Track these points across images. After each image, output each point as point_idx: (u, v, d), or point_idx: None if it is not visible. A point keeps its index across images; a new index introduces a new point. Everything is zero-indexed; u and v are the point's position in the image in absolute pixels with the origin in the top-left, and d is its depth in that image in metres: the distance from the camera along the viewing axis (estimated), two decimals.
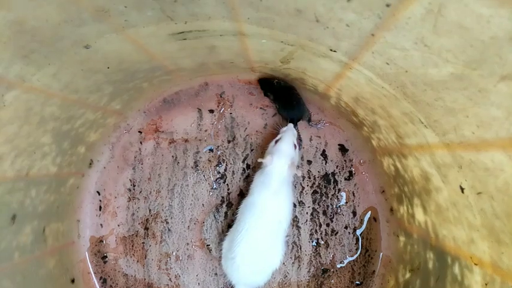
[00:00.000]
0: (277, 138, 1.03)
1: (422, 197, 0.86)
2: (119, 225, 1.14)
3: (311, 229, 1.12)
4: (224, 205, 1.14)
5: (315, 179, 1.13)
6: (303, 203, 1.12)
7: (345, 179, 1.13)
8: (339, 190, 1.13)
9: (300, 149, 1.07)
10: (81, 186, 1.11)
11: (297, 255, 1.11)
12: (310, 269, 1.11)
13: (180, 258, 1.13)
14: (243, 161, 1.15)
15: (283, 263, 1.10)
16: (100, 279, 1.13)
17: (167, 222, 1.14)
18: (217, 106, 1.16)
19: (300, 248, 1.11)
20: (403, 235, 1.01)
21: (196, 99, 1.16)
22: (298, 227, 1.12)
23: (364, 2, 0.49)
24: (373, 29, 0.53)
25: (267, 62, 0.95)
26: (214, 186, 1.14)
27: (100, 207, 1.15)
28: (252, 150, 1.15)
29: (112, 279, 1.13)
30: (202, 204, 1.14)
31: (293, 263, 1.11)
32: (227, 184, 1.14)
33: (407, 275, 0.96)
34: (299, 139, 1.09)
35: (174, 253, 1.13)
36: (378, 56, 0.61)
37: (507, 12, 0.39)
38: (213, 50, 0.87)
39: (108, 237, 1.14)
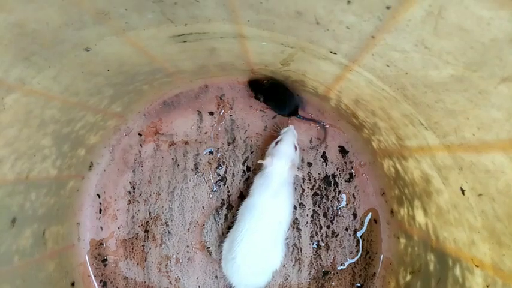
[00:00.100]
0: (277, 139, 1.03)
1: (423, 199, 0.86)
2: (119, 228, 1.14)
3: (311, 231, 1.12)
4: (224, 207, 1.14)
5: (315, 181, 1.13)
6: (304, 205, 1.12)
7: (345, 181, 1.13)
8: (339, 192, 1.13)
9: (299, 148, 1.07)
10: (81, 189, 1.11)
11: (297, 258, 1.11)
12: (310, 271, 1.11)
13: (181, 260, 1.13)
14: (243, 163, 1.14)
15: (284, 265, 1.10)
16: (100, 282, 1.13)
17: (167, 225, 1.14)
18: (217, 108, 1.16)
19: (301, 250, 1.11)
20: (403, 237, 1.01)
21: (196, 102, 1.16)
22: (298, 229, 1.12)
23: (364, 5, 0.49)
24: (373, 31, 0.53)
25: (267, 64, 0.95)
26: (215, 189, 1.14)
27: (100, 210, 1.14)
28: (252, 152, 1.15)
29: (112, 282, 1.13)
30: (203, 207, 1.14)
31: (294, 265, 1.11)
32: (227, 186, 1.14)
33: (408, 277, 0.96)
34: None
35: (174, 256, 1.13)
36: (378, 58, 0.61)
37: (507, 14, 0.39)
38: (213, 52, 0.87)
39: (108, 240, 1.14)
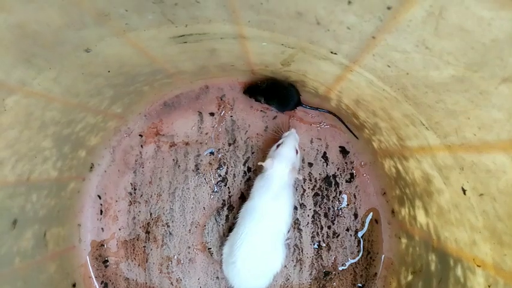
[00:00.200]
0: (278, 142, 1.03)
1: (424, 199, 0.86)
2: (120, 229, 1.14)
3: (312, 232, 1.12)
4: (225, 208, 1.14)
5: (316, 181, 1.13)
6: (304, 205, 1.12)
7: (346, 181, 1.13)
8: (340, 192, 1.13)
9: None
10: (82, 190, 1.11)
11: (298, 258, 1.11)
12: (312, 272, 1.11)
13: (182, 261, 1.13)
14: (244, 164, 1.14)
15: (285, 266, 1.10)
16: (101, 284, 1.13)
17: (168, 226, 1.14)
18: (218, 109, 1.16)
19: (302, 251, 1.11)
20: (404, 237, 1.01)
21: (196, 102, 1.16)
22: (299, 230, 1.12)
23: (365, 5, 0.49)
24: (374, 31, 0.53)
25: (268, 64, 0.95)
26: (215, 189, 1.14)
27: (101, 211, 1.14)
28: (252, 153, 1.15)
29: (113, 284, 1.13)
30: (204, 208, 1.14)
31: (295, 265, 1.11)
32: (228, 187, 1.14)
33: (410, 277, 0.96)
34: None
35: (175, 257, 1.13)
36: (378, 59, 0.61)
37: (508, 15, 0.39)
38: (213, 53, 0.87)
39: (109, 241, 1.14)
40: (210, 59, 0.93)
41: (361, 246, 1.11)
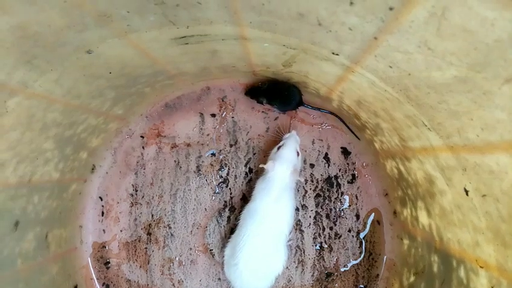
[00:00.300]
0: (279, 144, 1.03)
1: (426, 200, 0.86)
2: (121, 231, 1.14)
3: (314, 233, 1.11)
4: (227, 209, 1.14)
5: (317, 182, 1.13)
6: (306, 206, 1.12)
7: (348, 182, 1.13)
8: (342, 193, 1.13)
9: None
10: (83, 191, 1.11)
11: (300, 259, 1.11)
12: (313, 273, 1.11)
13: (183, 263, 1.13)
14: (246, 165, 1.14)
15: (287, 267, 1.10)
16: (103, 285, 1.13)
17: (170, 227, 1.14)
18: (219, 110, 1.16)
19: (304, 252, 1.11)
20: (407, 238, 1.01)
21: (198, 104, 1.16)
22: (301, 231, 1.11)
23: (367, 6, 0.49)
24: (376, 32, 0.53)
25: (269, 65, 0.95)
26: (217, 191, 1.14)
27: (102, 213, 1.14)
28: (254, 154, 1.15)
29: (115, 285, 1.13)
30: (205, 209, 1.14)
31: (296, 267, 1.11)
32: (230, 188, 1.14)
33: (412, 279, 0.96)
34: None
35: (177, 258, 1.13)
36: (380, 60, 0.61)
37: (511, 15, 0.39)
38: (215, 54, 0.87)
39: (110, 242, 1.14)
40: (211, 60, 0.93)
41: (363, 247, 1.11)
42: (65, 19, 0.57)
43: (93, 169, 1.13)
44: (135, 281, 1.13)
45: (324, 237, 1.11)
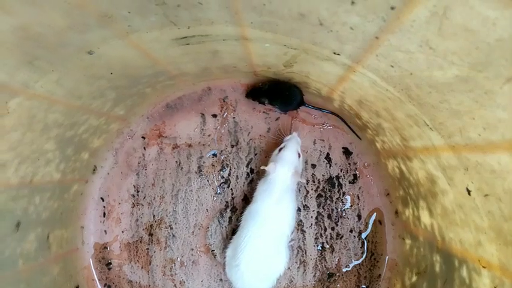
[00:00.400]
0: (280, 146, 1.04)
1: (428, 200, 0.86)
2: (123, 232, 1.14)
3: (316, 233, 1.11)
4: (228, 210, 1.14)
5: (319, 182, 1.13)
6: (308, 207, 1.12)
7: (350, 182, 1.13)
8: (344, 193, 1.13)
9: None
10: (84, 192, 1.11)
11: (302, 260, 1.11)
12: (315, 274, 1.11)
13: (185, 264, 1.13)
14: (247, 166, 1.14)
15: (289, 268, 1.10)
16: (104, 286, 1.13)
17: (171, 228, 1.14)
18: (220, 111, 1.16)
19: (305, 253, 1.11)
20: (408, 238, 1.01)
21: (199, 104, 1.16)
22: (303, 231, 1.11)
23: (368, 5, 0.49)
24: (377, 32, 0.53)
25: (270, 66, 0.95)
26: (218, 191, 1.14)
27: (104, 214, 1.14)
28: (255, 154, 1.14)
29: (116, 286, 1.13)
30: (207, 209, 1.14)
31: (298, 267, 1.11)
32: (231, 189, 1.14)
33: (414, 278, 0.95)
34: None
35: (178, 259, 1.13)
36: (382, 59, 0.61)
37: None
38: (216, 55, 0.87)
39: (112, 243, 1.14)
40: (212, 60, 0.93)
41: (365, 247, 1.11)
42: (66, 20, 0.58)
43: (94, 170, 1.13)
44: (136, 282, 1.13)
45: (326, 237, 1.11)
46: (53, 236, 0.97)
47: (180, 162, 1.15)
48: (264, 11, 0.59)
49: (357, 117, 1.01)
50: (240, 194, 1.14)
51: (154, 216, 1.14)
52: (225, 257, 1.06)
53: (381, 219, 1.11)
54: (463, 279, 0.74)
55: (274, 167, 0.99)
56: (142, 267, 1.13)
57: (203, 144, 1.15)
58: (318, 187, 1.13)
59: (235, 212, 1.13)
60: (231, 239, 1.06)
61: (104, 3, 0.56)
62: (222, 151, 1.15)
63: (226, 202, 1.14)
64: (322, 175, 1.13)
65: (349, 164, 1.13)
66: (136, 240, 1.14)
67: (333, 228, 1.11)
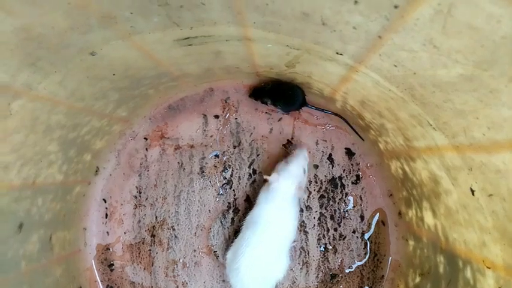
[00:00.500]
0: (288, 158, 1.03)
1: (432, 200, 0.85)
2: (125, 233, 1.14)
3: (319, 234, 1.11)
4: (231, 211, 1.13)
5: (321, 183, 1.13)
6: (310, 207, 1.12)
7: (352, 183, 1.12)
8: (346, 194, 1.12)
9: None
10: (87, 194, 1.11)
11: (304, 261, 1.10)
12: (318, 275, 1.10)
13: (187, 265, 1.13)
14: (249, 166, 1.14)
15: (291, 269, 1.10)
16: (107, 287, 1.12)
17: (174, 229, 1.13)
18: (223, 111, 1.16)
19: (308, 253, 1.11)
20: (412, 239, 1.00)
21: (201, 105, 1.16)
22: (305, 232, 1.11)
23: (371, 4, 0.48)
24: (380, 31, 0.53)
25: (272, 66, 0.95)
26: (221, 192, 1.14)
27: (106, 215, 1.14)
28: (257, 155, 1.14)
29: (119, 287, 1.12)
30: (209, 210, 1.14)
31: (301, 268, 1.10)
32: (233, 190, 1.14)
33: (418, 279, 0.95)
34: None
35: (181, 260, 1.13)
36: (385, 58, 0.60)
37: None
38: (218, 56, 0.87)
39: (114, 244, 1.14)
40: (215, 61, 0.93)
41: (368, 248, 1.11)
42: (68, 21, 0.57)
43: (97, 171, 1.13)
44: (139, 283, 1.13)
45: (329, 238, 1.11)
46: (55, 237, 0.97)
47: (182, 163, 1.15)
48: (266, 10, 0.58)
49: (359, 118, 1.00)
50: (242, 195, 1.13)
51: (156, 217, 1.14)
52: (225, 259, 1.05)
53: (384, 220, 1.11)
54: (468, 280, 0.73)
55: (277, 178, 0.98)
56: (144, 269, 1.13)
57: (205, 145, 1.15)
58: (321, 188, 1.12)
59: (237, 213, 1.13)
60: (233, 240, 1.05)
61: (106, 4, 0.56)
62: (224, 152, 1.15)
63: (229, 203, 1.14)
64: (325, 176, 1.13)
65: (352, 164, 1.13)
66: (139, 242, 1.14)
67: (335, 229, 1.11)
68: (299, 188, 0.99)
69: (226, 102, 1.16)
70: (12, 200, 0.79)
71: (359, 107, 0.93)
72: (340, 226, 1.11)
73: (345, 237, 1.11)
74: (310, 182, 1.12)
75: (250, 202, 1.12)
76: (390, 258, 1.09)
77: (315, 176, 1.13)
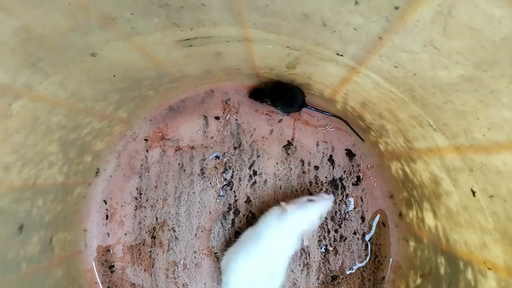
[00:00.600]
0: (312, 198, 1.00)
1: (432, 201, 0.85)
2: (125, 234, 1.14)
3: (319, 235, 1.11)
4: (231, 212, 1.13)
5: (322, 184, 1.12)
6: None
7: (353, 184, 1.12)
8: (347, 195, 1.12)
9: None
10: (87, 195, 1.11)
11: (305, 262, 1.10)
12: (319, 276, 1.10)
13: (188, 266, 1.13)
14: (250, 168, 1.14)
15: (292, 270, 1.09)
16: None
17: (174, 231, 1.13)
18: (223, 113, 1.16)
19: (309, 255, 1.10)
20: (412, 240, 1.00)
21: (202, 106, 1.16)
22: None
23: (372, 5, 0.48)
24: (380, 32, 0.53)
25: (273, 67, 0.95)
26: (221, 194, 1.14)
27: (107, 216, 1.14)
28: (258, 156, 1.14)
29: None
30: (209, 212, 1.14)
31: (302, 270, 1.10)
32: (234, 191, 1.14)
33: (418, 281, 0.95)
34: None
35: (181, 261, 1.13)
36: (385, 60, 0.60)
37: None
38: (218, 57, 0.87)
39: (115, 246, 1.14)
40: (215, 62, 0.93)
41: (369, 249, 1.10)
42: (69, 21, 0.58)
43: (97, 172, 1.13)
44: (139, 285, 1.12)
45: (329, 239, 1.11)
46: (56, 238, 0.96)
47: (182, 165, 1.15)
48: (267, 11, 0.59)
49: (360, 119, 1.00)
50: (243, 196, 1.13)
51: (157, 218, 1.14)
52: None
53: (384, 221, 1.11)
54: (469, 282, 0.73)
55: (294, 212, 0.96)
56: (145, 270, 1.13)
57: (206, 147, 1.15)
58: (321, 189, 1.12)
59: (238, 214, 1.13)
60: (234, 241, 1.05)
61: (106, 4, 0.56)
62: (224, 153, 1.15)
63: (229, 204, 1.14)
64: (325, 177, 1.13)
65: (353, 166, 1.13)
66: (139, 243, 1.14)
67: (336, 231, 1.11)
68: (306, 231, 0.97)
69: (226, 103, 1.16)
70: (13, 201, 0.79)
71: (359, 108, 0.93)
72: (340, 227, 1.11)
73: (346, 238, 1.11)
74: (310, 183, 1.12)
75: (250, 203, 1.12)
76: (391, 259, 1.09)
77: (316, 177, 1.13)
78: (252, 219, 1.12)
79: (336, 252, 1.10)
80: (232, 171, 1.14)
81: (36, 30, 0.56)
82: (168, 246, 1.13)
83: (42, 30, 0.57)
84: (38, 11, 0.53)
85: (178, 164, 1.15)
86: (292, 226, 0.96)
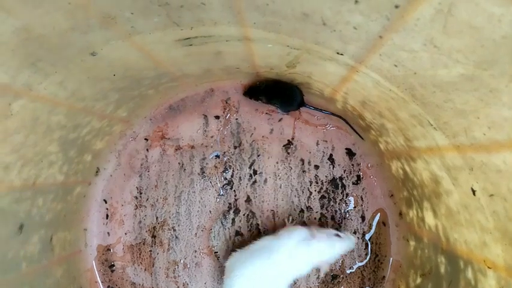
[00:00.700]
0: (340, 234, 1.00)
1: (432, 200, 0.85)
2: (126, 234, 1.14)
3: None
4: (231, 211, 1.13)
5: (322, 183, 1.12)
6: (311, 208, 1.12)
7: (353, 184, 1.12)
8: (347, 195, 1.12)
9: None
10: (87, 194, 1.11)
11: None
12: (319, 275, 1.10)
13: (188, 266, 1.13)
14: (250, 167, 1.14)
15: None
16: None
17: (174, 230, 1.13)
18: (223, 112, 1.16)
19: None
20: (413, 239, 1.00)
21: (202, 106, 1.16)
22: None
23: (371, 4, 0.48)
24: (380, 31, 0.53)
25: (273, 66, 0.95)
26: (221, 193, 1.14)
27: (107, 216, 1.14)
28: (258, 155, 1.14)
29: None
30: (210, 211, 1.14)
31: None
32: (234, 190, 1.14)
33: (419, 280, 0.95)
34: None
35: (181, 261, 1.13)
36: (385, 59, 0.60)
37: None
38: (218, 56, 0.87)
39: (115, 245, 1.14)
40: (215, 61, 0.93)
41: (369, 249, 1.11)
42: (69, 21, 0.58)
43: (97, 172, 1.13)
44: (140, 284, 1.12)
45: None
46: (56, 238, 0.97)
47: (182, 164, 1.15)
48: (267, 10, 0.58)
49: (360, 118, 1.00)
50: (243, 196, 1.13)
51: (157, 218, 1.14)
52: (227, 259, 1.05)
53: (384, 220, 1.11)
54: (469, 281, 0.73)
55: (320, 242, 0.97)
56: (145, 269, 1.13)
57: (206, 146, 1.15)
58: (321, 188, 1.12)
59: (238, 213, 1.13)
60: (234, 241, 1.05)
61: (106, 4, 0.56)
62: (224, 152, 1.15)
63: (229, 204, 1.14)
64: (326, 176, 1.13)
65: (353, 165, 1.13)
66: (140, 242, 1.14)
67: (336, 230, 1.11)
68: (325, 264, 0.99)
69: (226, 102, 1.16)
70: (13, 200, 0.79)
71: (360, 107, 0.93)
72: (341, 227, 1.11)
73: None
74: (310, 182, 1.12)
75: (251, 203, 1.12)
76: (391, 258, 1.09)
77: (316, 176, 1.13)
78: (252, 218, 1.12)
79: None
80: (233, 171, 1.14)
81: (36, 30, 0.56)
82: (169, 245, 1.13)
83: (42, 30, 0.57)
84: (38, 11, 0.53)
85: (179, 163, 1.15)
86: (313, 254, 0.97)
